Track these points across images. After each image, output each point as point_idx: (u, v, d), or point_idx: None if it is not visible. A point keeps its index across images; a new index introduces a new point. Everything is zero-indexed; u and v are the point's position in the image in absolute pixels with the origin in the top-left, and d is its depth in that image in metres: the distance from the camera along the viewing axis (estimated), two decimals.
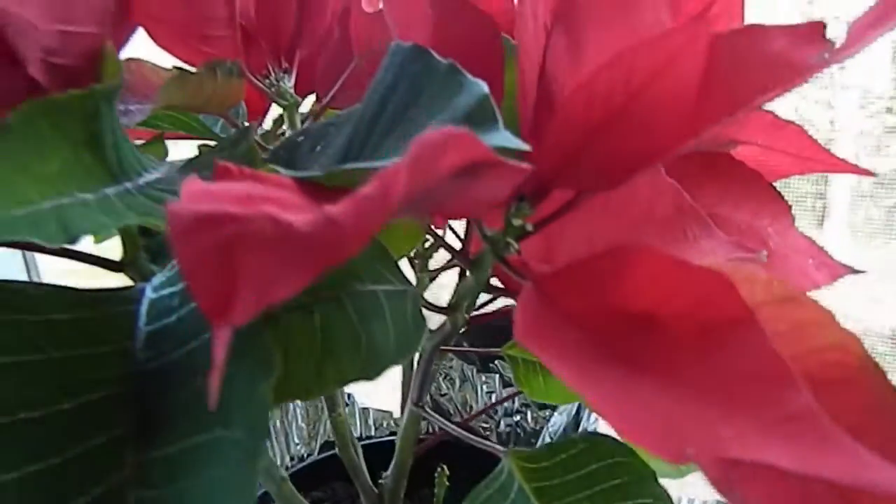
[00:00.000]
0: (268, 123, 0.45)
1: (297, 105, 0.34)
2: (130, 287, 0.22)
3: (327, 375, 0.18)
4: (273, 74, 0.33)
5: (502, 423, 0.55)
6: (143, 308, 0.21)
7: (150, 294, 0.21)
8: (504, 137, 0.16)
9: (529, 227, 0.23)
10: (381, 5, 0.33)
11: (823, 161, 0.37)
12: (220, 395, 0.16)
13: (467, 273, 0.26)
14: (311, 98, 0.42)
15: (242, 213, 0.12)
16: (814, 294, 0.21)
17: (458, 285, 0.26)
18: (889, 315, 1.09)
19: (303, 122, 0.37)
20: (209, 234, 0.12)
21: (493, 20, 0.25)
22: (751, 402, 0.15)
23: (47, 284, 0.26)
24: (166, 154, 0.38)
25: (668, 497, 0.24)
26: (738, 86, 0.21)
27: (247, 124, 0.36)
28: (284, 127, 0.40)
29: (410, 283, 0.23)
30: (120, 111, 0.25)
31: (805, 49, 0.21)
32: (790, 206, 0.36)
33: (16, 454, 0.16)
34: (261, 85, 0.32)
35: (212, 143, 0.41)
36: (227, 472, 0.15)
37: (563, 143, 0.22)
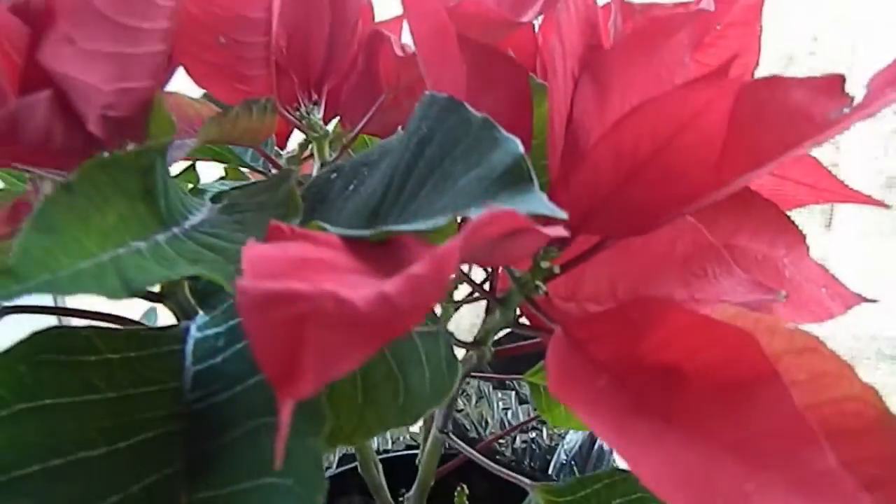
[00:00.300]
0: (291, 145, 0.46)
1: (327, 136, 0.35)
2: (175, 326, 0.23)
3: (369, 422, 0.19)
4: (303, 107, 0.34)
5: (518, 439, 0.57)
6: (189, 348, 0.22)
7: (195, 333, 0.22)
8: (541, 204, 0.17)
9: (556, 270, 0.24)
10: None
11: (837, 192, 0.38)
12: (270, 444, 0.17)
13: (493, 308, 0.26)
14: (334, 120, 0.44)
15: (307, 291, 0.13)
16: None
17: (484, 320, 0.27)
18: None
19: (330, 146, 0.38)
20: (277, 312, 0.13)
21: (523, 66, 0.26)
22: (775, 459, 0.16)
23: (101, 318, 0.27)
24: (198, 180, 0.40)
25: None
26: (760, 140, 0.22)
27: (285, 162, 0.37)
28: (310, 149, 0.41)
29: (439, 321, 0.24)
30: None
31: (824, 103, 0.22)
32: (805, 236, 0.37)
33: (79, 493, 0.17)
34: (291, 117, 0.33)
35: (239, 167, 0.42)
36: None
37: (590, 193, 0.23)
